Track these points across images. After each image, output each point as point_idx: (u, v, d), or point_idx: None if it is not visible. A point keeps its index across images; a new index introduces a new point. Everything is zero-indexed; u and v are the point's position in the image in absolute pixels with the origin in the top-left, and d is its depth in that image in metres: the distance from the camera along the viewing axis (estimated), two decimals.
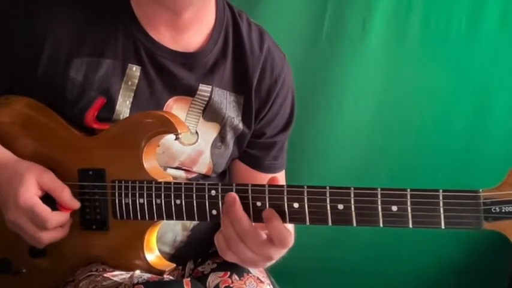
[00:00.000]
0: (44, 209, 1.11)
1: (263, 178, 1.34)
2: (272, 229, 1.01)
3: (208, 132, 1.28)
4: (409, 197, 0.96)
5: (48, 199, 1.14)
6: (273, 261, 1.10)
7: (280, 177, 1.40)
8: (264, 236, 1.03)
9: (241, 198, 1.05)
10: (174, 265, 1.23)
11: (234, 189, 1.06)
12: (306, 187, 1.02)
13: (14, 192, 1.11)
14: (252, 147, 1.35)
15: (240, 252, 1.04)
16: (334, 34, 2.03)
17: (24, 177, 1.12)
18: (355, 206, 0.99)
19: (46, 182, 1.14)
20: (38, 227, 1.12)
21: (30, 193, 1.11)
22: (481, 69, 2.09)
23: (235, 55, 1.29)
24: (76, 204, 1.16)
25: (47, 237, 1.14)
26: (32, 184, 1.12)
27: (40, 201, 1.12)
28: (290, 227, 1.08)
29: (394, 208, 0.97)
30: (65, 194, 1.15)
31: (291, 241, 1.02)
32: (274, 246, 1.03)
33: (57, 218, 1.14)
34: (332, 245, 2.15)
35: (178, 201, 1.10)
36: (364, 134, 2.13)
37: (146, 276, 1.15)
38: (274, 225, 1.01)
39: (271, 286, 1.28)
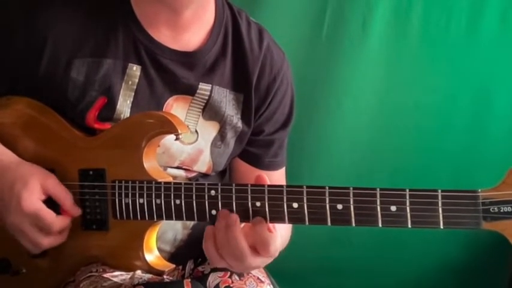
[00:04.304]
0: (48, 214, 1.12)
1: None
2: (256, 233, 1.03)
3: (208, 131, 1.29)
4: (408, 197, 0.97)
5: (50, 204, 1.14)
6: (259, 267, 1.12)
7: (280, 175, 1.42)
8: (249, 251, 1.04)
9: (240, 198, 1.05)
10: (174, 266, 1.23)
11: (233, 189, 1.06)
12: (305, 187, 1.02)
13: (17, 197, 1.11)
14: (252, 145, 1.36)
15: (229, 262, 1.06)
16: (334, 34, 2.02)
17: (28, 182, 1.12)
18: (354, 206, 0.99)
19: (50, 187, 1.14)
20: (41, 231, 1.13)
21: (34, 198, 1.11)
22: (481, 69, 2.08)
23: (235, 53, 1.29)
24: (77, 211, 1.17)
25: (47, 242, 1.14)
26: (36, 188, 1.12)
27: (44, 206, 1.12)
28: (286, 230, 1.08)
29: (393, 208, 0.97)
30: (68, 200, 1.15)
31: (274, 251, 1.04)
32: (258, 255, 1.04)
33: (61, 223, 1.14)
34: (332, 245, 2.14)
35: (178, 201, 1.10)
36: (364, 134, 2.13)
37: (147, 276, 1.15)
38: (257, 230, 1.03)
39: (271, 286, 1.28)
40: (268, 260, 1.07)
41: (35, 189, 1.12)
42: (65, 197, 1.15)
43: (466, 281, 2.26)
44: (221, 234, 1.04)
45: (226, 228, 1.03)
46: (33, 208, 1.11)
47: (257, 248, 1.03)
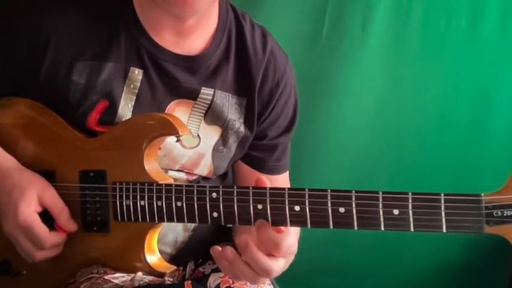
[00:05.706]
0: (41, 229, 1.12)
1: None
2: (264, 238, 1.02)
3: (210, 135, 1.28)
4: (410, 201, 0.97)
5: (47, 215, 1.14)
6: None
7: (284, 179, 1.41)
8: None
9: (242, 200, 1.05)
10: (175, 267, 1.23)
11: (235, 192, 1.06)
12: (307, 190, 1.02)
13: (14, 206, 1.11)
14: (255, 149, 1.35)
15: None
16: (334, 34, 2.02)
17: (26, 192, 1.12)
18: (356, 210, 0.99)
19: (47, 200, 1.14)
20: (33, 244, 1.13)
21: (30, 210, 1.11)
22: (481, 69, 2.09)
23: (238, 57, 1.29)
24: (73, 226, 1.16)
25: (40, 255, 1.15)
26: (33, 199, 1.12)
27: (39, 220, 1.12)
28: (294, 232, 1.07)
29: (396, 212, 0.97)
30: (63, 215, 1.15)
31: (288, 247, 1.02)
32: (276, 258, 1.02)
33: (53, 239, 1.14)
34: (332, 246, 2.14)
35: (179, 204, 1.10)
36: (364, 134, 2.13)
37: (147, 279, 1.15)
38: (262, 234, 1.02)
39: (271, 286, 1.29)
40: (290, 257, 1.05)
41: (31, 200, 1.12)
42: (60, 212, 1.15)
43: (466, 282, 2.26)
44: (238, 263, 1.01)
45: (243, 253, 1.01)
46: (29, 221, 1.11)
47: (271, 252, 1.01)
